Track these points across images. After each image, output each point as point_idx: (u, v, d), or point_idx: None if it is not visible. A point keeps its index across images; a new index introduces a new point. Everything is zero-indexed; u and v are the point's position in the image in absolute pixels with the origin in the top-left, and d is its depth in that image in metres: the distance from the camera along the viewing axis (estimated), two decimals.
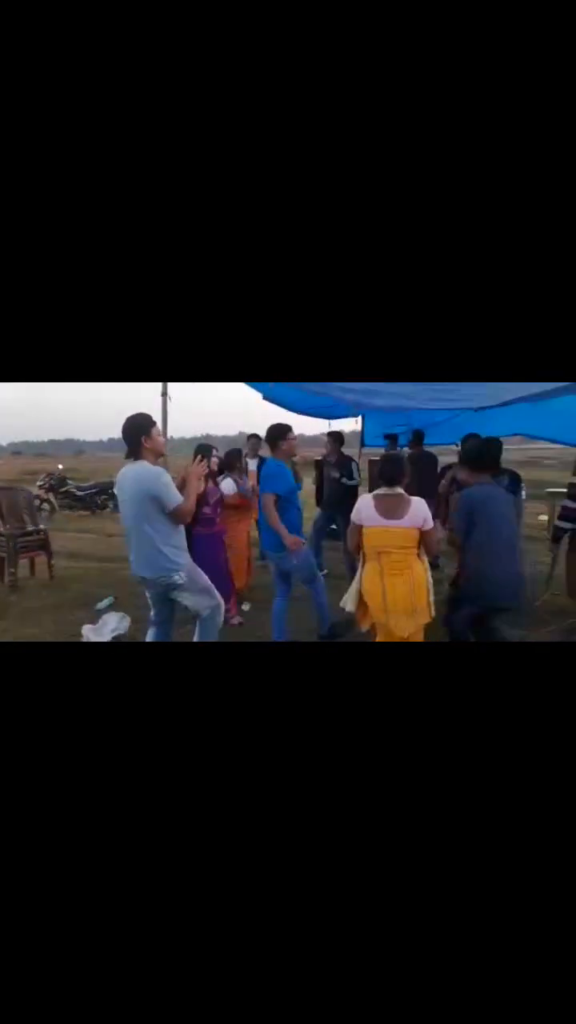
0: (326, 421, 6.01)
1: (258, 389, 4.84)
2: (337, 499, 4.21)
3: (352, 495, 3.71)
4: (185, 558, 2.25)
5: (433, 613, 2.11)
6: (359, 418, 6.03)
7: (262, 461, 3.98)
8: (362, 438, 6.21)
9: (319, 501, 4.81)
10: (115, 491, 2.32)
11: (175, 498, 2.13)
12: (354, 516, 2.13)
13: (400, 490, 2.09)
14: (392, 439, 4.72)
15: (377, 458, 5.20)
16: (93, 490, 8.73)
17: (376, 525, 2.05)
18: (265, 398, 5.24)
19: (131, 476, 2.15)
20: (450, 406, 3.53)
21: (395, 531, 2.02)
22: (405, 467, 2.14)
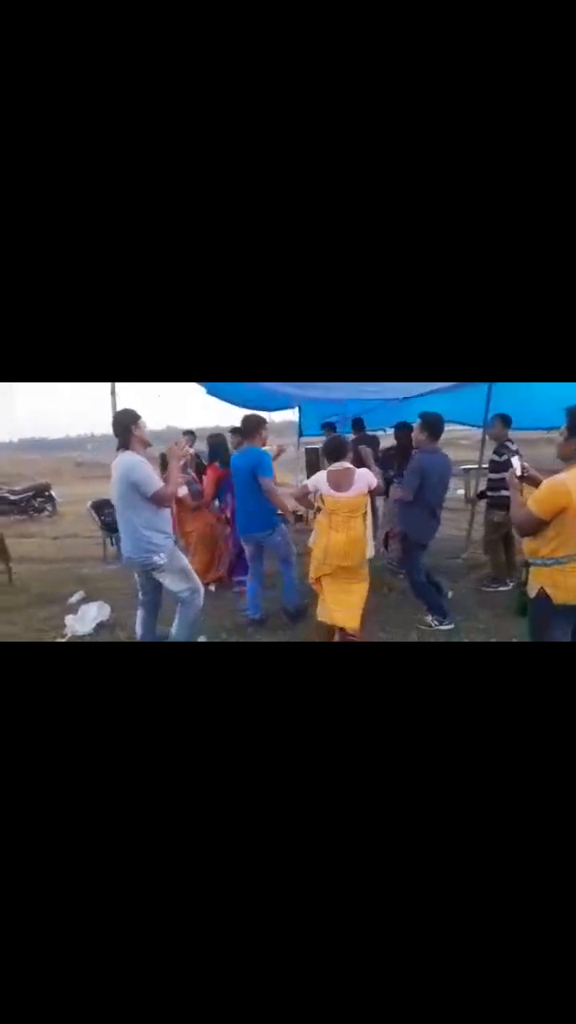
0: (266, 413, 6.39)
1: (201, 384, 5.09)
2: None
3: None
4: (167, 541, 2.46)
5: (373, 553, 2.66)
6: (296, 409, 6.49)
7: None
8: (299, 428, 6.66)
9: None
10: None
11: (154, 484, 2.33)
12: (311, 485, 2.61)
13: (347, 464, 2.56)
14: (330, 427, 5.20)
15: (314, 446, 5.72)
16: (28, 493, 8.39)
17: (328, 495, 2.53)
18: (208, 393, 5.51)
19: (117, 464, 2.36)
20: (377, 396, 4.08)
21: (343, 500, 2.52)
22: (346, 447, 2.64)
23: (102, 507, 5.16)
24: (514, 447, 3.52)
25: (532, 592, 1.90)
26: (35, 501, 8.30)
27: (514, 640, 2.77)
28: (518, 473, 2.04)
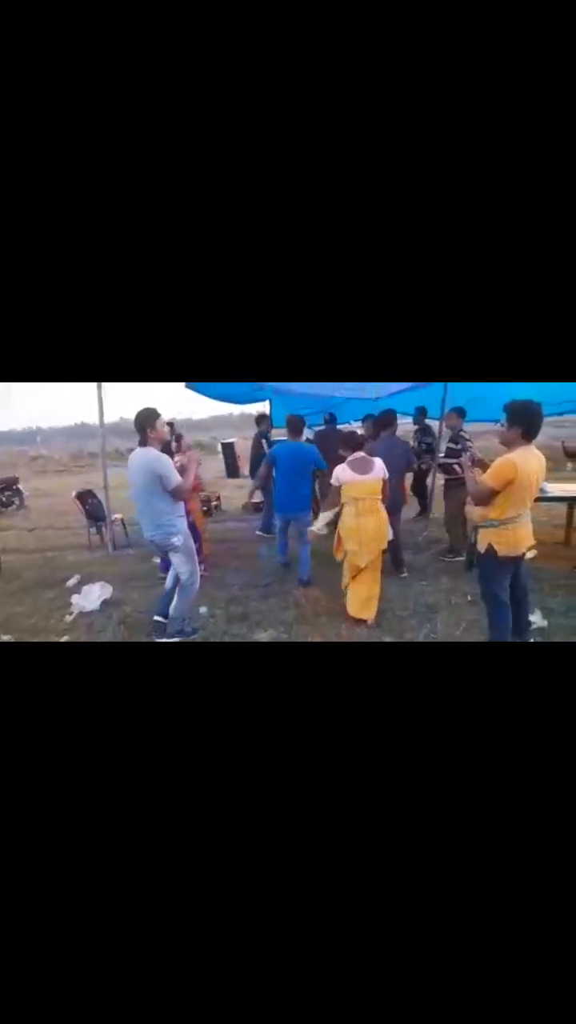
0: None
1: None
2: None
3: None
4: (183, 526, 2.82)
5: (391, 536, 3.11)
6: (267, 402, 6.87)
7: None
8: (270, 421, 7.03)
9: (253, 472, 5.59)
10: (127, 471, 2.80)
11: (176, 479, 2.69)
12: (333, 480, 3.01)
13: (363, 453, 3.01)
14: (332, 418, 5.52)
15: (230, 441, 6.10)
16: None
17: (352, 479, 2.93)
18: (187, 387, 5.79)
19: (140, 458, 2.70)
20: (351, 395, 4.55)
21: (366, 483, 2.94)
22: (361, 438, 3.13)
23: (86, 497, 5.33)
24: (467, 437, 4.08)
25: (482, 548, 2.41)
26: (3, 495, 8.20)
27: (469, 597, 3.33)
28: (477, 458, 2.56)
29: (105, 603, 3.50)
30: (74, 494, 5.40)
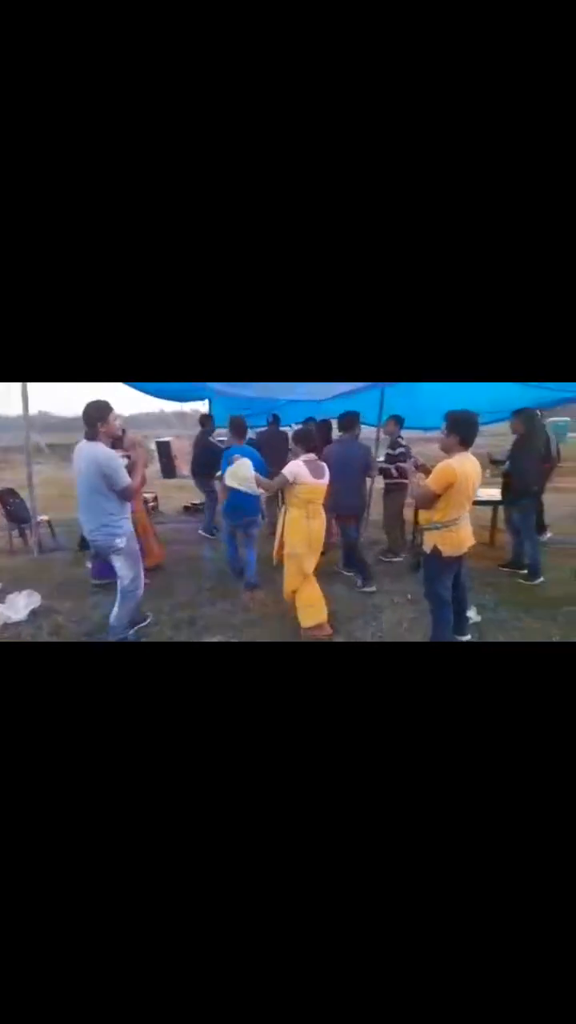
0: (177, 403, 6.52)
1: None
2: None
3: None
4: (128, 527, 2.65)
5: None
6: (206, 401, 6.72)
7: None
8: (212, 420, 6.90)
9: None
10: (73, 460, 2.57)
11: (124, 478, 2.53)
12: (289, 475, 2.87)
13: (313, 456, 2.96)
14: (310, 419, 5.41)
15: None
16: None
17: (306, 482, 2.87)
18: (126, 383, 5.50)
19: (87, 453, 2.49)
20: (301, 398, 4.58)
21: (317, 487, 2.91)
22: (317, 439, 3.07)
23: (6, 497, 4.86)
24: (404, 443, 4.28)
25: (427, 550, 2.54)
26: None
27: (408, 596, 3.49)
28: (419, 463, 2.68)
29: (34, 613, 3.20)
30: None
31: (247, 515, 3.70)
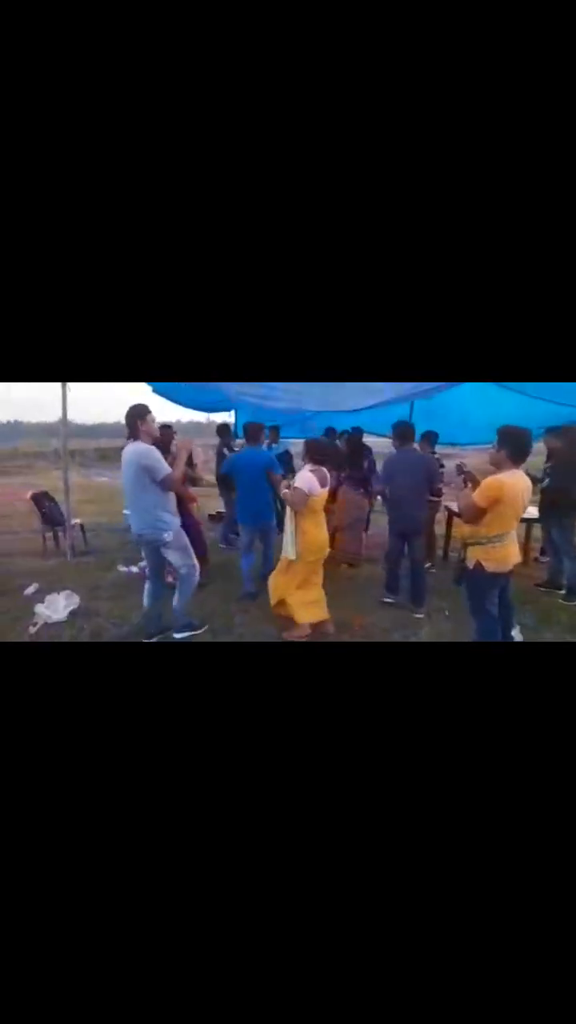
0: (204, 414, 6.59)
1: (149, 383, 5.20)
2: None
3: None
4: (174, 521, 2.75)
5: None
6: (232, 412, 6.80)
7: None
8: (235, 429, 6.98)
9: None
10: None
11: (164, 469, 2.63)
12: (305, 487, 2.92)
13: (323, 468, 3.04)
14: (332, 432, 5.46)
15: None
16: None
17: (318, 492, 2.98)
18: (154, 392, 5.61)
19: (131, 452, 2.64)
20: (329, 408, 4.61)
21: (323, 495, 3.02)
22: (327, 453, 3.14)
23: (41, 500, 4.97)
24: (440, 460, 4.27)
25: (471, 565, 2.51)
26: None
27: (446, 612, 3.45)
28: (470, 476, 2.67)
29: (73, 613, 3.25)
30: (29, 495, 5.01)
31: (263, 519, 3.68)
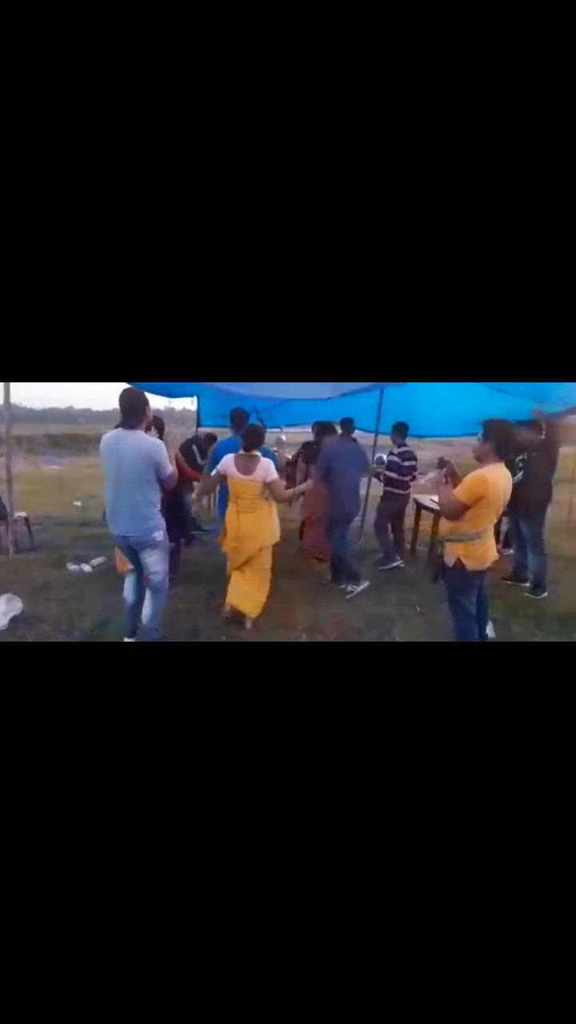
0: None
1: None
2: None
3: None
4: (162, 521, 2.50)
5: (278, 538, 3.04)
6: (194, 398, 6.46)
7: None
8: (198, 417, 6.65)
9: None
10: (103, 453, 2.37)
11: (170, 467, 2.41)
12: (219, 467, 2.88)
13: (256, 453, 2.88)
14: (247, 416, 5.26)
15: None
16: None
17: (234, 477, 2.86)
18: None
19: (133, 442, 2.30)
20: (301, 396, 4.41)
21: (245, 482, 2.86)
22: (261, 437, 3.00)
23: None
24: (398, 450, 4.19)
25: (450, 562, 2.41)
26: None
27: (417, 608, 3.38)
28: (452, 472, 2.54)
29: (14, 620, 2.90)
30: None
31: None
